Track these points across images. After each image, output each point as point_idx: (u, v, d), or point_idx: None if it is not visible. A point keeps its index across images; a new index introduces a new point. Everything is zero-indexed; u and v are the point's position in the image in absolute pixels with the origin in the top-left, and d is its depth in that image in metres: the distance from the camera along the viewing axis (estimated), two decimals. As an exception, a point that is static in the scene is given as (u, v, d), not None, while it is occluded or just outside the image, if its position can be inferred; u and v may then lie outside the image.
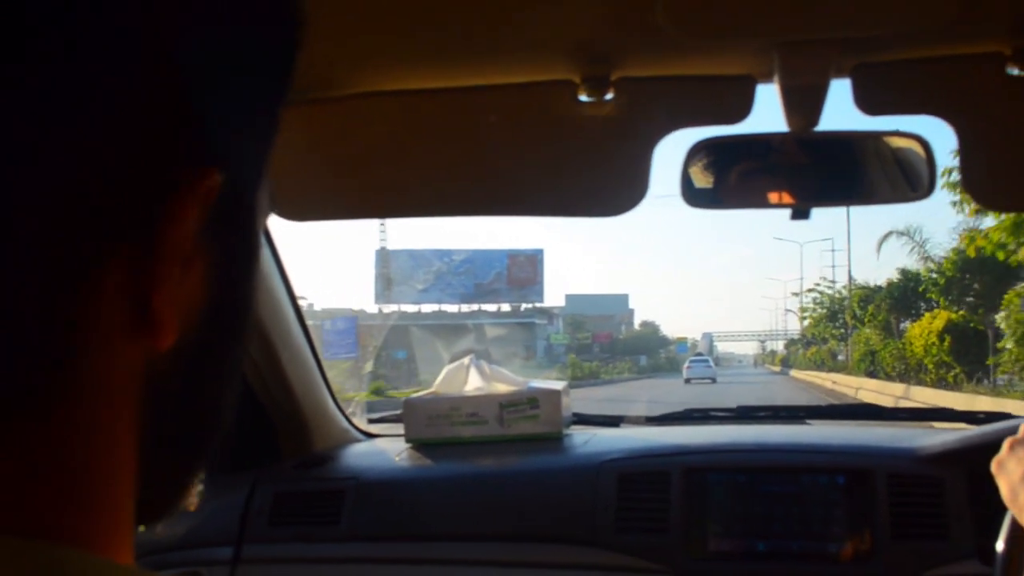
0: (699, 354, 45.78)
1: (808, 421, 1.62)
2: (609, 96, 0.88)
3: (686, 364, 34.86)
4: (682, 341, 69.32)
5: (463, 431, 1.46)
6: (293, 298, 1.41)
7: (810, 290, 35.28)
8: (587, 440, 1.45)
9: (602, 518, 1.25)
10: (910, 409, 1.77)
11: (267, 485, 1.39)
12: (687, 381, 30.18)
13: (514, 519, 1.29)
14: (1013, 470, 0.80)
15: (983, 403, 9.62)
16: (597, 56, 0.85)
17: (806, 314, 36.32)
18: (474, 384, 1.51)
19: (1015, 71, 0.83)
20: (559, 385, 1.52)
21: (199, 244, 0.29)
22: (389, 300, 41.83)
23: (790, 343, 63.39)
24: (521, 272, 44.78)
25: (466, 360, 1.54)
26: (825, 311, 32.75)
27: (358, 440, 1.59)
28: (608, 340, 54.03)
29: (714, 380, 30.24)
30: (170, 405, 0.30)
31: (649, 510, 1.25)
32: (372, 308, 40.68)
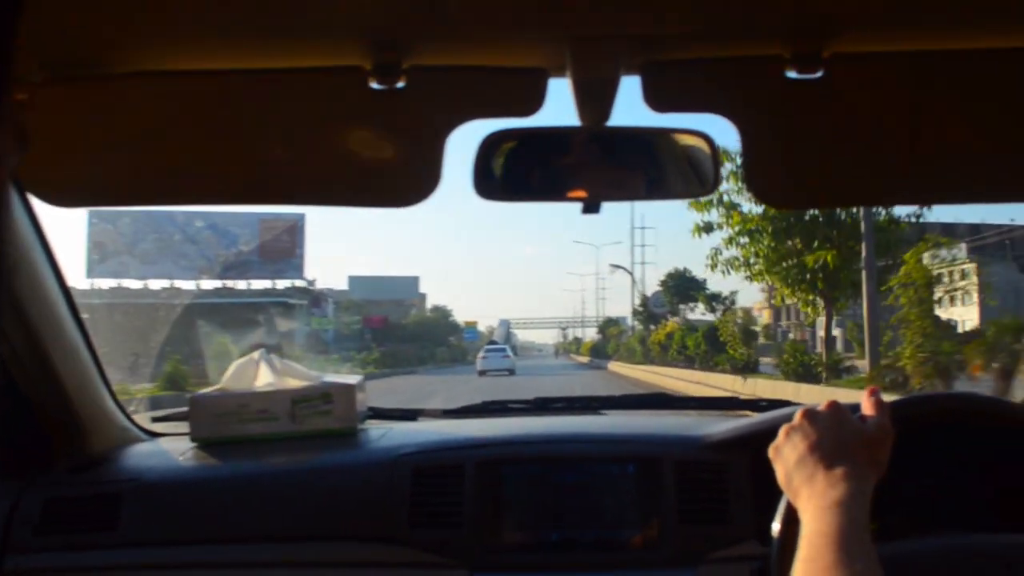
0: (493, 343, 46.19)
1: (603, 412, 1.94)
2: (400, 84, 0.98)
3: (480, 354, 35.39)
4: (471, 327, 70.11)
5: (253, 428, 1.64)
6: (65, 288, 1.50)
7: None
8: (382, 435, 1.67)
9: (396, 513, 1.45)
10: (699, 398, 2.15)
11: (36, 491, 1.48)
12: (481, 374, 30.73)
13: (306, 518, 1.46)
14: (788, 455, 0.94)
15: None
16: (387, 43, 0.95)
17: (725, 223, 14.60)
18: (264, 379, 1.69)
19: (794, 74, 0.97)
20: (354, 379, 1.74)
21: None
22: (106, 274, 38.44)
23: (606, 324, 57.95)
24: (277, 242, 43.30)
25: (255, 355, 1.71)
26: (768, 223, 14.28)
27: (140, 440, 1.72)
28: (382, 325, 53.96)
29: (512, 372, 31.22)
30: None
31: (444, 504, 1.46)
32: (84, 283, 37.03)
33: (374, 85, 0.98)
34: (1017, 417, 1.22)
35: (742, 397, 1.97)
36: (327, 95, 1.03)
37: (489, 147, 1.09)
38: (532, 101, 1.02)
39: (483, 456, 1.51)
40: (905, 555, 1.13)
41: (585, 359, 52.57)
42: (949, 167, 1.10)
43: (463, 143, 1.14)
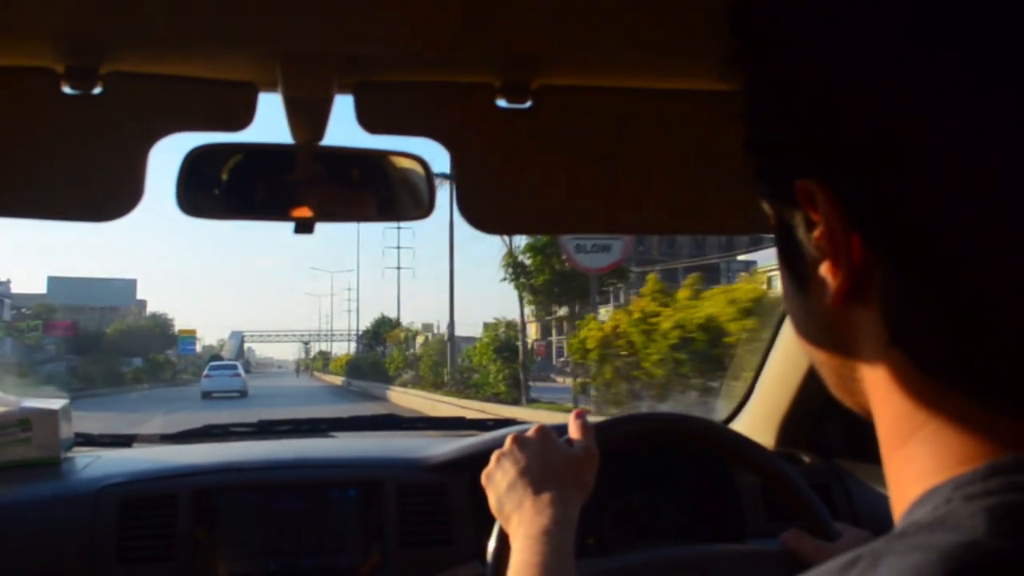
0: (218, 358, 44.35)
1: (331, 434, 2.09)
2: (97, 90, 1.01)
3: (204, 373, 34.74)
4: (188, 336, 66.79)
5: (-63, 461, 1.68)
6: None
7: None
8: (88, 463, 1.74)
9: (102, 551, 1.52)
10: (427, 418, 2.37)
11: None
12: (206, 395, 30.18)
13: None
14: (499, 482, 1.06)
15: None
16: (82, 46, 0.97)
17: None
18: (-48, 407, 1.70)
19: (503, 103, 1.09)
20: (58, 403, 1.81)
21: None
22: None
23: (379, 325, 48.28)
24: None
25: (-59, 379, 1.72)
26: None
27: None
28: (72, 333, 49.98)
29: (244, 393, 30.68)
30: None
31: (154, 537, 1.55)
32: None
33: (67, 90, 1.01)
34: (711, 437, 1.45)
35: (468, 417, 2.19)
36: (14, 98, 1.05)
37: (193, 162, 1.16)
38: (241, 116, 1.08)
39: (198, 484, 1.61)
40: (615, 570, 1.33)
41: (338, 380, 45.69)
42: (645, 199, 1.25)
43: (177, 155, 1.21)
